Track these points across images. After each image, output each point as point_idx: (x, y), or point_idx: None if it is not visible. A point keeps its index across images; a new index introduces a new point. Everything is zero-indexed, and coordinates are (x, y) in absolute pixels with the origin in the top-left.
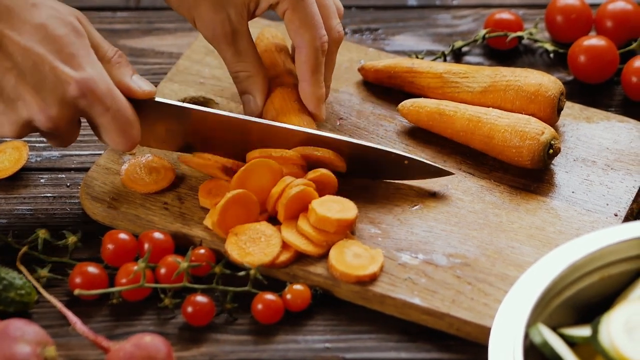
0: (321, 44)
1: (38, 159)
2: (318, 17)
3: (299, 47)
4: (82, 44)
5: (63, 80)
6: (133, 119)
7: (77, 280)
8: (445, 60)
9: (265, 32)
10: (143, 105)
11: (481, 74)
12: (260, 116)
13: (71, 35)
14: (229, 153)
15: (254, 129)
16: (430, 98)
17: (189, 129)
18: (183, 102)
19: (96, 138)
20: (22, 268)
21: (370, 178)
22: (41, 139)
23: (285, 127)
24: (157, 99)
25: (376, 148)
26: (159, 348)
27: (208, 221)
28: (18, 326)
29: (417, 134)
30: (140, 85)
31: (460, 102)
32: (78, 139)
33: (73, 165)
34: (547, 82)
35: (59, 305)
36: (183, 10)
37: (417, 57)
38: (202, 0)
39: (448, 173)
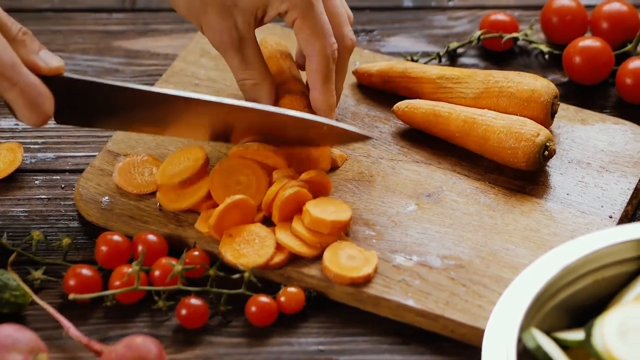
0: (332, 52)
1: (33, 160)
2: (328, 26)
3: (309, 56)
4: None
5: None
6: (43, 93)
7: (71, 282)
8: (440, 62)
9: (268, 39)
10: (54, 81)
11: (474, 80)
12: None
13: None
14: (152, 129)
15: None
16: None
17: (105, 105)
18: None
19: (92, 140)
20: (14, 274)
21: (282, 144)
22: (36, 140)
23: (196, 98)
24: (67, 74)
25: (294, 116)
26: (150, 349)
27: (200, 225)
28: (9, 334)
29: (412, 135)
30: (47, 60)
31: None
32: (73, 141)
33: (67, 167)
34: (540, 87)
35: (52, 310)
36: (191, 17)
37: (412, 59)
38: (210, 7)
39: (366, 137)
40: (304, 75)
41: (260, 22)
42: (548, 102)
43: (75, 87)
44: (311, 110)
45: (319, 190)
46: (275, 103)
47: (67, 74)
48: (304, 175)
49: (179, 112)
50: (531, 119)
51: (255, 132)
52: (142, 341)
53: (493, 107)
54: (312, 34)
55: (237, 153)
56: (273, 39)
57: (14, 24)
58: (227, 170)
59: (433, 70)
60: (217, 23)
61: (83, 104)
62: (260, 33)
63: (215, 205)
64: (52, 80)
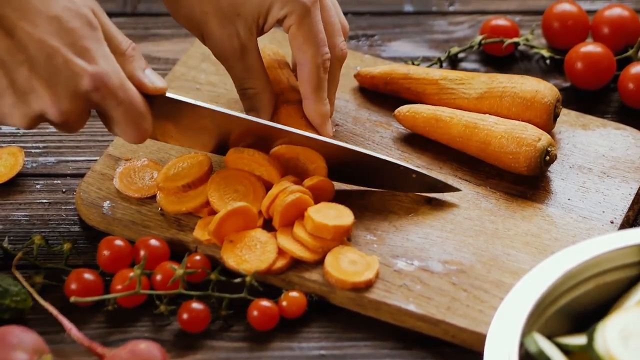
0: (322, 61)
1: (34, 164)
2: (322, 35)
3: (300, 64)
4: (96, 37)
5: (76, 73)
6: (145, 112)
7: (73, 286)
8: (441, 67)
9: (266, 49)
10: (155, 100)
11: (477, 80)
12: None
13: (85, 28)
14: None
15: (261, 129)
16: (427, 104)
17: (200, 127)
18: None
19: (93, 144)
20: (18, 274)
21: (366, 186)
22: (37, 144)
23: (297, 132)
24: (169, 94)
25: (385, 160)
26: (154, 355)
27: (198, 232)
28: (15, 333)
29: (413, 140)
30: (153, 80)
31: (457, 109)
32: (75, 146)
33: (69, 171)
34: (544, 89)
35: (55, 311)
36: (192, 27)
37: (413, 64)
38: (211, 16)
39: (455, 189)
40: None
41: (261, 30)
42: (551, 104)
43: (173, 107)
44: (308, 121)
45: (321, 196)
46: (273, 113)
47: (168, 94)
48: (307, 181)
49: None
50: (534, 120)
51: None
52: (146, 347)
53: (496, 107)
54: (305, 42)
55: (233, 157)
56: (271, 48)
57: (124, 40)
58: (225, 179)
59: (436, 72)
60: (218, 32)
61: (178, 123)
62: (262, 41)
63: (215, 210)
64: (153, 98)
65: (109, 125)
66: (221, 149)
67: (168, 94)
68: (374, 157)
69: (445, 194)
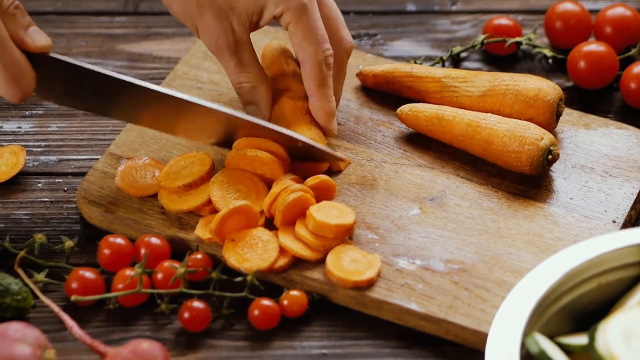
0: (324, 57)
1: (35, 163)
2: (322, 31)
3: (302, 62)
4: None
5: None
6: (25, 69)
7: (74, 285)
8: (443, 66)
9: (273, 43)
10: (40, 59)
11: (480, 79)
12: None
13: None
14: (124, 116)
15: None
16: (429, 103)
17: (89, 90)
18: None
19: (95, 143)
20: (20, 271)
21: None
22: (39, 143)
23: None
24: (53, 54)
25: (265, 127)
26: (156, 354)
27: (200, 231)
28: (18, 328)
29: (416, 140)
30: (35, 38)
31: (459, 107)
32: (76, 144)
33: (70, 170)
34: (547, 87)
35: (56, 308)
36: (186, 20)
37: (415, 63)
38: (206, 10)
39: (339, 158)
40: None
41: (255, 25)
42: (554, 102)
43: (58, 68)
44: (313, 118)
45: (323, 195)
46: (273, 106)
47: (52, 54)
48: (309, 181)
49: (146, 103)
50: (536, 119)
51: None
52: (148, 346)
53: (498, 105)
54: (304, 39)
55: (235, 158)
56: (277, 43)
57: None
58: (227, 178)
59: (438, 70)
60: (212, 26)
61: (65, 83)
62: (265, 39)
63: (217, 209)
64: (37, 57)
65: None
66: (130, 117)
67: (53, 54)
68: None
69: (447, 192)
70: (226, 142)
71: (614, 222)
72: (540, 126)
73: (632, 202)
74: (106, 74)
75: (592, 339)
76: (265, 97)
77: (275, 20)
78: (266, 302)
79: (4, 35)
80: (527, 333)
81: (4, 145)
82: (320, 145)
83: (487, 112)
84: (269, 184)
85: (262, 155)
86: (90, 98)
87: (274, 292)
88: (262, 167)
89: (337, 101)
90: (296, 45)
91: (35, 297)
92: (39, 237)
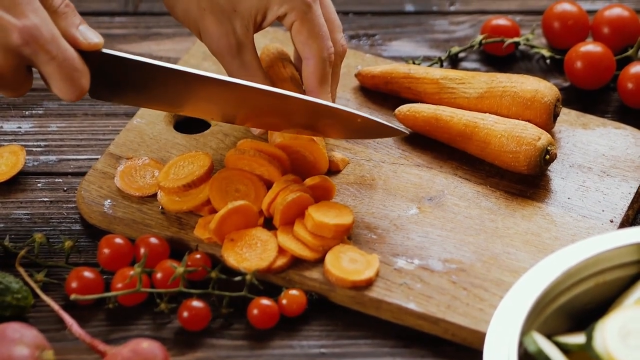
0: (328, 54)
1: (35, 163)
2: (325, 29)
3: (306, 59)
4: None
5: (5, 28)
6: (80, 68)
7: (73, 284)
8: (442, 66)
9: (270, 46)
10: (92, 57)
11: (478, 80)
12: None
13: None
14: (173, 107)
15: (206, 85)
16: (427, 104)
17: (140, 84)
18: None
19: (94, 143)
20: (21, 270)
21: (318, 135)
22: (39, 143)
23: (236, 83)
24: (105, 50)
25: (329, 106)
26: (156, 354)
27: (199, 231)
28: (17, 329)
29: (414, 139)
30: (87, 36)
31: (457, 108)
32: (76, 144)
33: (70, 170)
34: (544, 88)
35: (56, 307)
36: (189, 23)
37: (414, 63)
38: (207, 12)
39: (400, 133)
40: None
41: (259, 26)
42: (551, 103)
43: (111, 63)
44: None
45: (322, 195)
46: None
47: (104, 50)
48: (308, 181)
49: (200, 91)
50: (534, 120)
51: (263, 115)
52: (148, 346)
53: (496, 106)
54: (310, 37)
55: (234, 158)
56: (275, 46)
57: None
58: (226, 179)
59: (436, 71)
60: (214, 29)
61: (117, 79)
62: (263, 40)
63: (216, 209)
64: (90, 55)
65: (47, 83)
66: (176, 107)
67: (105, 50)
68: (319, 104)
69: (445, 192)
70: (276, 125)
71: (612, 221)
72: (538, 127)
73: (629, 201)
74: (160, 65)
75: (589, 337)
76: None
77: (278, 21)
78: (265, 301)
79: (57, 34)
80: (525, 332)
81: (3, 145)
82: (379, 119)
83: (484, 113)
84: (268, 185)
85: (260, 156)
86: (142, 91)
87: (273, 291)
88: (260, 168)
89: (333, 102)
90: (301, 44)
91: (36, 296)
92: (39, 237)
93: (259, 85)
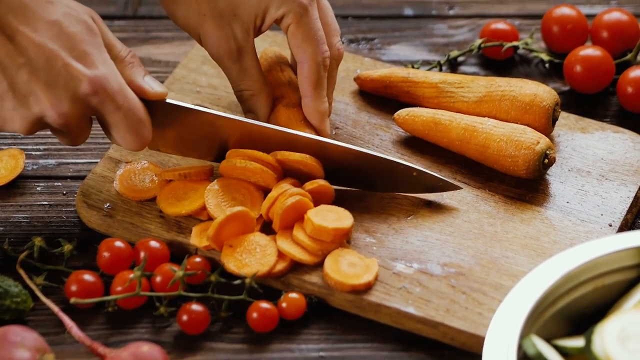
0: (323, 59)
1: (34, 167)
2: (321, 33)
3: (300, 62)
4: (96, 42)
5: (75, 77)
6: (145, 118)
7: (73, 288)
8: (441, 70)
9: (269, 51)
10: (154, 107)
11: (476, 84)
12: None
13: (85, 33)
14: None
15: (267, 134)
16: (426, 108)
17: (201, 132)
18: None
19: (94, 147)
20: (22, 272)
21: (365, 189)
22: (38, 146)
23: (296, 134)
24: (169, 100)
25: (385, 158)
26: (155, 357)
27: (195, 239)
28: (17, 332)
29: (413, 143)
30: (152, 85)
31: (456, 112)
32: (75, 148)
33: (69, 174)
34: (542, 93)
35: (56, 309)
36: (189, 28)
37: (412, 67)
38: (208, 17)
39: (455, 187)
40: None
41: (259, 30)
42: (550, 107)
43: (174, 114)
44: (308, 123)
45: (321, 199)
46: (271, 114)
47: (169, 100)
48: (307, 185)
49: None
50: (532, 124)
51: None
52: (148, 349)
53: (495, 110)
54: (304, 40)
55: (227, 169)
56: (273, 50)
57: (123, 47)
58: (222, 187)
59: (435, 75)
60: (214, 33)
61: (179, 129)
62: (262, 44)
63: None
64: (153, 105)
65: (108, 132)
66: (223, 155)
67: (169, 100)
68: (373, 155)
69: (444, 196)
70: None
71: (610, 225)
72: (537, 131)
73: (628, 205)
74: (221, 116)
75: (588, 341)
76: (264, 105)
77: (276, 24)
78: (264, 305)
79: (124, 84)
80: (524, 336)
81: (3, 149)
82: (436, 174)
83: (483, 117)
84: (265, 192)
85: (251, 166)
86: (202, 142)
87: (273, 295)
88: (254, 176)
89: (329, 106)
90: (296, 47)
91: (35, 299)
92: (38, 241)
93: (306, 135)
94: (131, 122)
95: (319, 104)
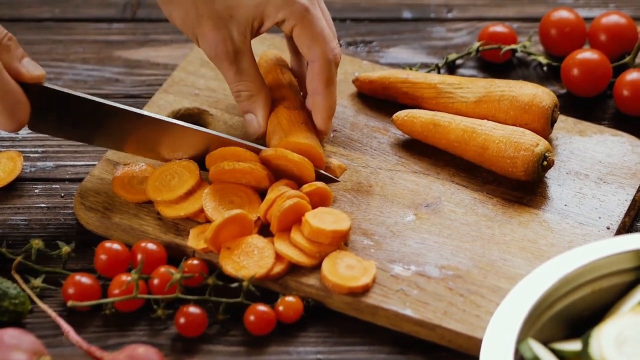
0: (334, 56)
1: (32, 169)
2: (327, 31)
3: (311, 61)
4: None
5: None
6: (21, 100)
7: (70, 290)
8: (439, 73)
9: (268, 53)
10: (33, 90)
11: (476, 85)
12: (263, 136)
13: None
14: (118, 145)
15: (137, 121)
16: (425, 109)
17: (79, 118)
18: (177, 113)
19: (92, 149)
20: (17, 277)
21: None
22: (36, 149)
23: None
24: (46, 84)
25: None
26: (152, 359)
27: (192, 242)
28: (14, 335)
29: (411, 146)
30: (29, 68)
31: (455, 113)
32: (73, 150)
33: (67, 176)
34: (542, 93)
35: (53, 314)
36: (187, 29)
37: (411, 70)
38: (205, 19)
39: (332, 180)
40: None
41: (256, 33)
42: (549, 108)
43: (52, 97)
44: (308, 125)
45: (319, 201)
46: (271, 115)
47: (46, 84)
48: (305, 187)
49: (137, 128)
50: (531, 125)
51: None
52: (144, 351)
53: (494, 111)
54: (313, 39)
55: (216, 175)
56: (273, 52)
57: (0, 30)
58: (219, 191)
59: (434, 76)
60: (212, 35)
61: (57, 113)
62: (261, 46)
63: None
64: (31, 87)
65: None
66: (117, 144)
67: (47, 84)
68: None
69: (442, 199)
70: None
71: (608, 228)
72: (535, 132)
73: (626, 208)
74: (99, 102)
75: (585, 345)
76: (263, 106)
77: (277, 26)
78: (262, 307)
79: (0, 66)
80: (521, 339)
81: (1, 151)
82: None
83: (482, 118)
84: (261, 194)
85: (239, 167)
86: (82, 126)
87: (270, 297)
88: (244, 177)
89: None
90: (305, 47)
91: (33, 302)
92: (36, 243)
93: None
94: (6, 104)
95: (330, 102)
